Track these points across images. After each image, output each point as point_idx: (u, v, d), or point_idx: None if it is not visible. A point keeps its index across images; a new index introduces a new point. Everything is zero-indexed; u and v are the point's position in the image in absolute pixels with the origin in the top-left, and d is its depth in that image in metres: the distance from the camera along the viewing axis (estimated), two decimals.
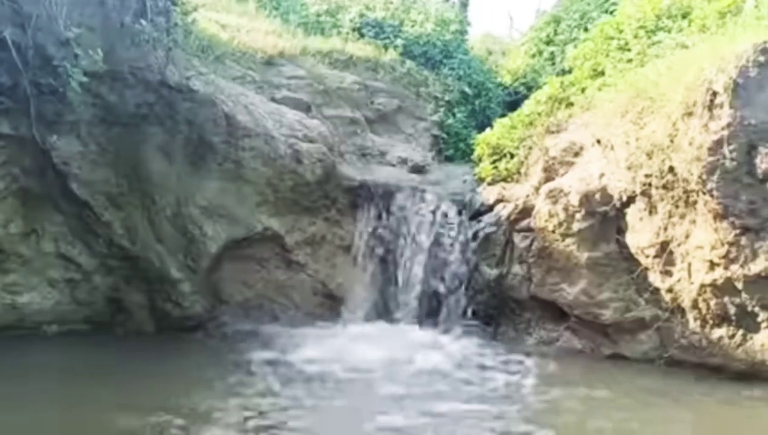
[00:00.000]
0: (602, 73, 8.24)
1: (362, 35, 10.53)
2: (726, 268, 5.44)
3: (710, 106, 5.32)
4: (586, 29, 10.44)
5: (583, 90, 8.19)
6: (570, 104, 8.08)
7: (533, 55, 12.03)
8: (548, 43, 11.90)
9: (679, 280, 5.86)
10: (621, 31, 8.61)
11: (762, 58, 5.13)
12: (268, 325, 6.92)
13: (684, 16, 7.95)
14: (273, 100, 7.96)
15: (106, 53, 5.78)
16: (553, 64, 11.17)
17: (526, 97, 9.91)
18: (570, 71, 9.38)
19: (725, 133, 5.22)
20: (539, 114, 8.40)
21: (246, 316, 6.98)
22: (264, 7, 10.70)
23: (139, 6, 6.03)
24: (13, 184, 5.93)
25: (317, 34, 10.28)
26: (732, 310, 5.57)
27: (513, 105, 10.32)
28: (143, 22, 6.01)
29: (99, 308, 6.51)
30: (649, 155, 5.86)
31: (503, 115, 9.47)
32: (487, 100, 10.59)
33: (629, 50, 8.17)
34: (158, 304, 6.61)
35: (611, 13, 9.99)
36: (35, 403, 4.69)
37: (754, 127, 5.14)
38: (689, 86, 5.55)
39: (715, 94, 5.29)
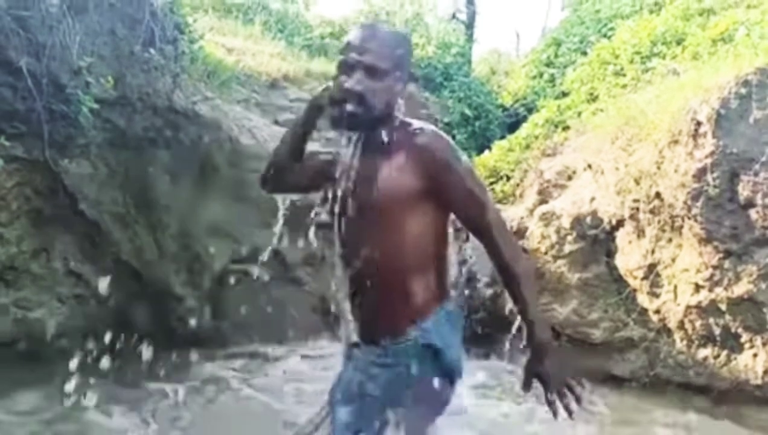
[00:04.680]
0: (598, 98, 8.42)
1: None
2: (710, 290, 5.59)
3: (694, 135, 5.50)
4: (584, 53, 10.60)
5: (579, 114, 8.36)
6: (566, 128, 8.25)
7: (534, 77, 12.17)
8: (548, 65, 12.04)
9: (665, 302, 6.01)
10: (617, 57, 8.79)
11: (743, 90, 5.31)
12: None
13: (678, 43, 8.09)
14: (276, 122, 8.15)
15: (116, 80, 6.02)
16: (553, 86, 11.32)
17: (526, 118, 10.06)
18: (568, 94, 9.56)
19: (709, 161, 5.40)
20: (536, 137, 8.58)
21: (247, 331, 7.17)
22: (269, 29, 10.95)
23: (148, 35, 6.24)
24: (25, 205, 6.12)
25: (321, 56, 10.50)
26: (717, 331, 5.71)
27: (513, 127, 10.48)
28: (152, 50, 6.24)
29: (107, 324, 6.71)
30: (637, 181, 6.04)
31: (503, 137, 9.64)
32: (487, 122, 10.75)
33: (624, 75, 8.34)
34: (163, 320, 6.79)
35: (609, 37, 10.15)
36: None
37: (736, 156, 5.32)
38: (675, 115, 5.74)
39: (699, 123, 5.47)
